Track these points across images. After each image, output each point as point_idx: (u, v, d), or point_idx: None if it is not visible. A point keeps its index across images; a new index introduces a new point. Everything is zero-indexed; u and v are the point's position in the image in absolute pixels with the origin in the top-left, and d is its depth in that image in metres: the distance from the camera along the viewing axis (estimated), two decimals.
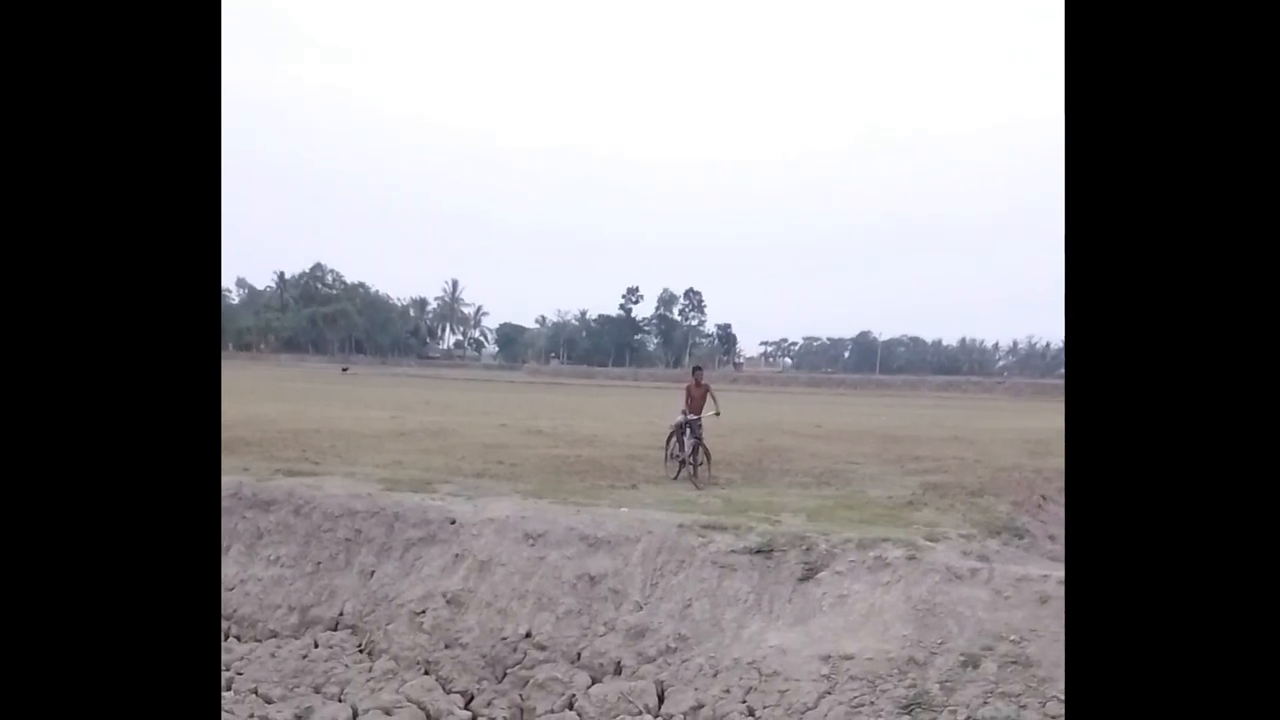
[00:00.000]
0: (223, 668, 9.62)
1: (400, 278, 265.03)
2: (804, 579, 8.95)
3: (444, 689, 8.95)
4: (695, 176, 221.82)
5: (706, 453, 14.51)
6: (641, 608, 9.20)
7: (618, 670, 8.83)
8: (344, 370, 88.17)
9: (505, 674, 9.06)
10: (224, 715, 8.72)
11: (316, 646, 9.83)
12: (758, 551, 9.30)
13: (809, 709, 7.75)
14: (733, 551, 9.37)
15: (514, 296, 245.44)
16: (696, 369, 16.33)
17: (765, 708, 7.90)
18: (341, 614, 10.19)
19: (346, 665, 9.41)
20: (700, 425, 14.71)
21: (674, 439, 15.14)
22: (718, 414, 15.13)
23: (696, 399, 15.00)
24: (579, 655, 9.03)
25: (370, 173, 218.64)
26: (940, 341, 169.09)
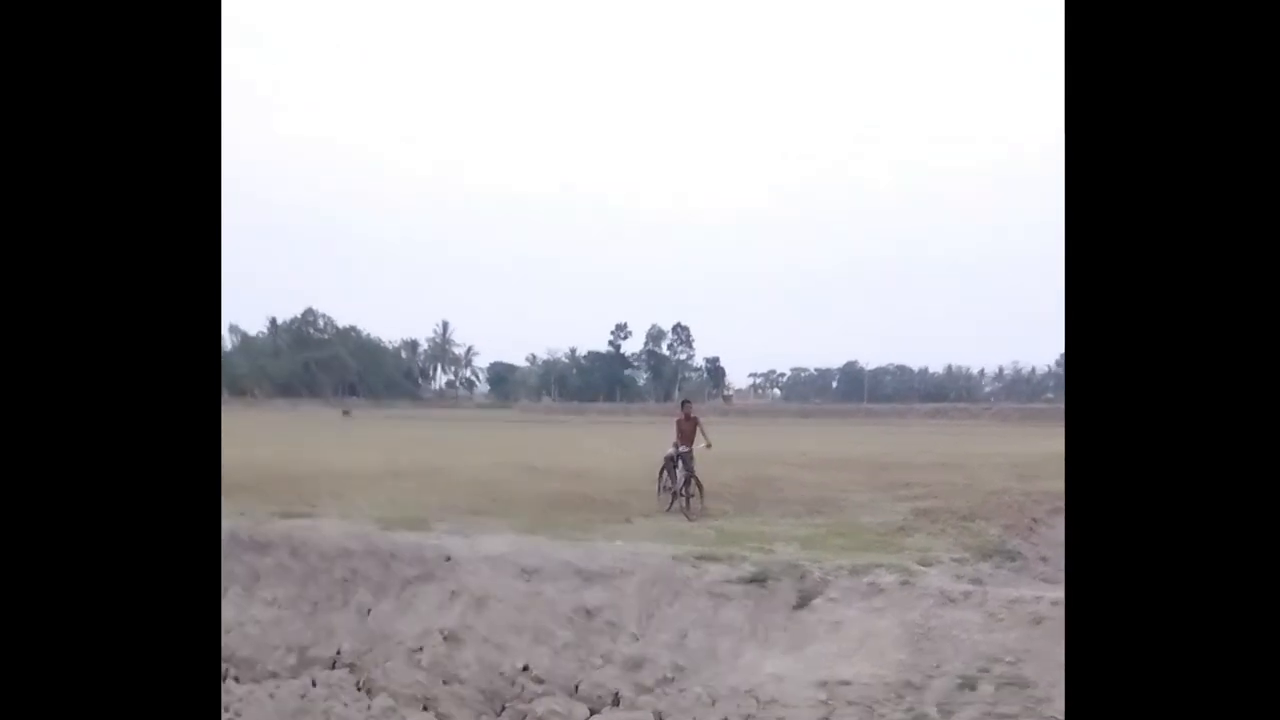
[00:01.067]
0: (222, 709, 9.52)
1: (391, 320, 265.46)
2: (798, 607, 8.92)
3: None
4: (681, 215, 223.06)
5: (698, 484, 14.49)
6: (638, 639, 9.15)
7: (616, 701, 8.78)
8: (345, 414, 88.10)
9: (504, 708, 8.99)
10: None
11: (315, 685, 9.76)
12: (752, 581, 9.28)
13: None
14: (727, 581, 9.34)
15: (504, 336, 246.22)
16: (685, 402, 16.34)
17: None
18: (339, 653, 10.12)
19: (345, 704, 9.33)
20: (691, 457, 14.69)
21: (666, 472, 15.12)
22: (708, 446, 15.11)
23: (687, 432, 14.99)
24: (577, 687, 8.98)
25: (357, 217, 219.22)
26: (927, 369, 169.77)
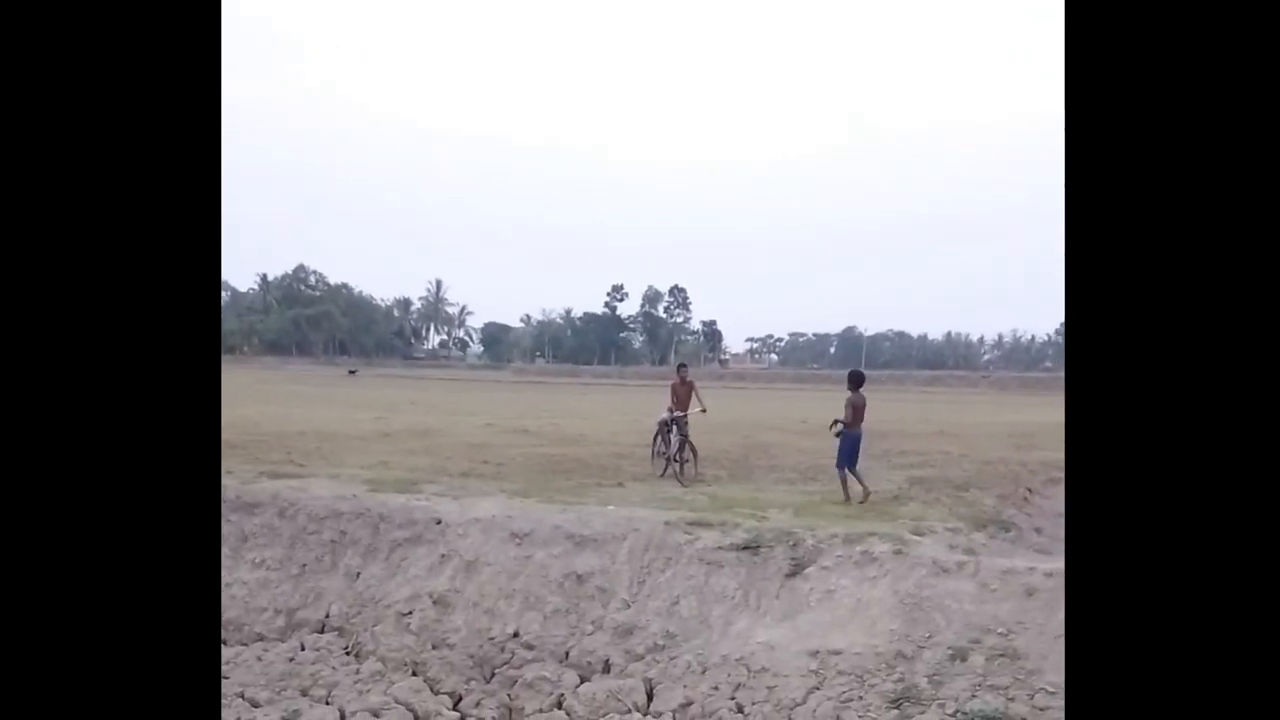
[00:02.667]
0: None
1: (383, 278, 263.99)
2: (791, 575, 8.96)
3: (432, 690, 8.92)
4: (680, 175, 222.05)
5: (693, 450, 14.50)
6: (629, 606, 9.20)
7: (606, 669, 8.83)
8: (350, 373, 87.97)
9: (493, 674, 9.04)
10: None
11: (303, 649, 9.79)
12: (745, 548, 9.32)
13: (797, 705, 7.76)
14: (720, 548, 9.38)
15: (498, 296, 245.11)
16: (681, 366, 16.33)
17: (754, 704, 7.90)
18: (328, 616, 10.16)
19: (334, 667, 9.37)
20: (686, 422, 14.69)
21: (660, 436, 15.15)
22: (703, 411, 15.10)
23: (682, 396, 14.99)
24: (567, 654, 9.03)
25: (350, 172, 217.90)
26: (926, 336, 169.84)
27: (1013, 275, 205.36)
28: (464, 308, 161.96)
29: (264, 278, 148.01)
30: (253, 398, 35.65)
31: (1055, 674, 7.23)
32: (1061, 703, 7.08)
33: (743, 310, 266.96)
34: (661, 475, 14.40)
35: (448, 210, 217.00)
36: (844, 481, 12.15)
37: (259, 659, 9.72)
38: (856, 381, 12.58)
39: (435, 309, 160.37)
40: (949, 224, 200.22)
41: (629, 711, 8.23)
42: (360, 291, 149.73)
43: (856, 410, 12.23)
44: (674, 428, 14.66)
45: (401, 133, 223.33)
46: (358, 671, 9.27)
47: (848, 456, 12.10)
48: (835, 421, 12.32)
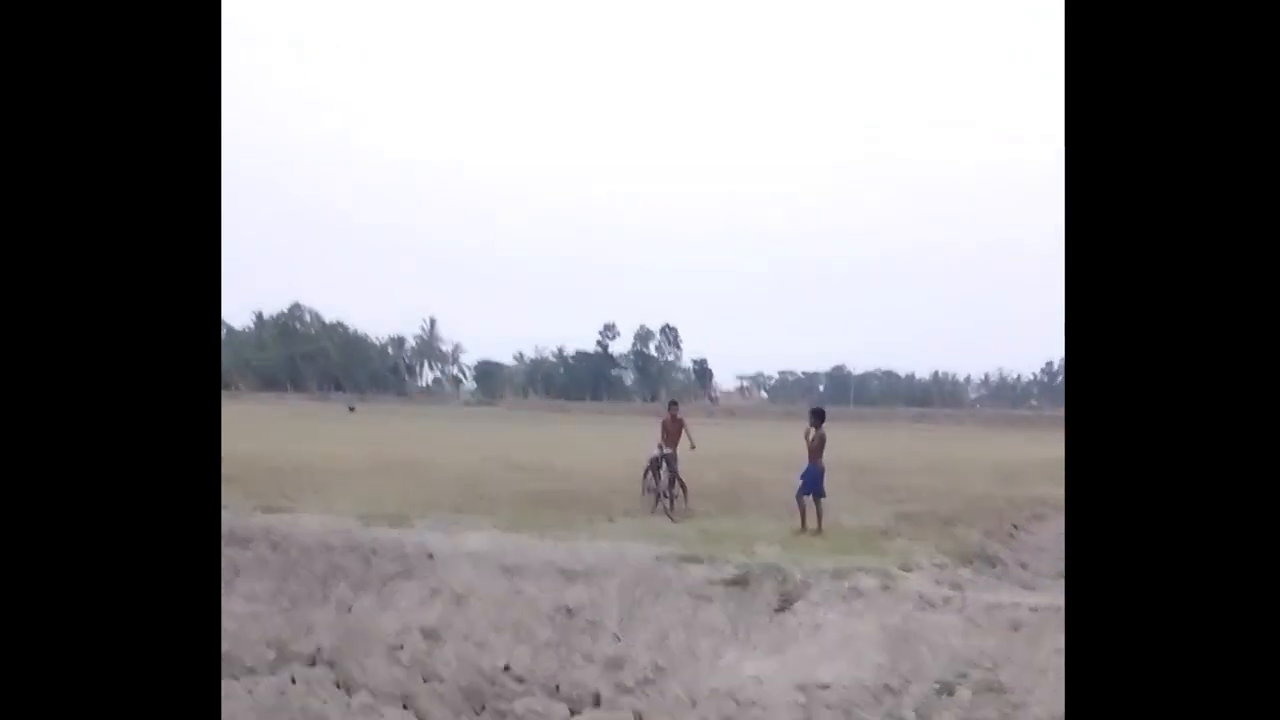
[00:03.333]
0: None
1: (377, 316, 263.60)
2: (779, 609, 8.93)
3: None
4: (668, 210, 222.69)
5: (682, 485, 14.51)
6: (619, 639, 9.15)
7: (596, 701, 8.78)
8: (350, 410, 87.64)
9: (484, 706, 8.98)
10: None
11: (294, 682, 9.72)
12: (733, 582, 9.29)
13: None
14: (709, 582, 9.35)
15: (492, 334, 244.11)
16: (672, 404, 16.38)
17: None
18: (319, 649, 10.08)
19: (324, 700, 9.30)
20: (676, 458, 14.71)
21: (651, 472, 15.14)
22: (693, 447, 15.13)
23: (672, 433, 15.02)
24: (557, 687, 8.97)
25: (346, 209, 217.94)
26: (913, 375, 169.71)
27: (999, 316, 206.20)
28: (457, 345, 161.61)
29: (259, 315, 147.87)
30: (247, 433, 35.50)
31: (1040, 708, 7.20)
32: None
33: (733, 349, 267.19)
34: (652, 510, 14.36)
35: (438, 247, 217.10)
36: (803, 511, 12.67)
37: (249, 692, 9.65)
38: (819, 417, 13.46)
39: (429, 346, 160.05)
40: (938, 265, 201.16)
41: None
42: (354, 329, 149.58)
43: (819, 444, 12.86)
44: (664, 463, 14.68)
45: (390, 168, 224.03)
46: (348, 704, 9.21)
47: (810, 487, 12.67)
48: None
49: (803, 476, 12.81)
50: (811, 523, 12.57)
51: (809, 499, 12.72)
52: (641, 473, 15.68)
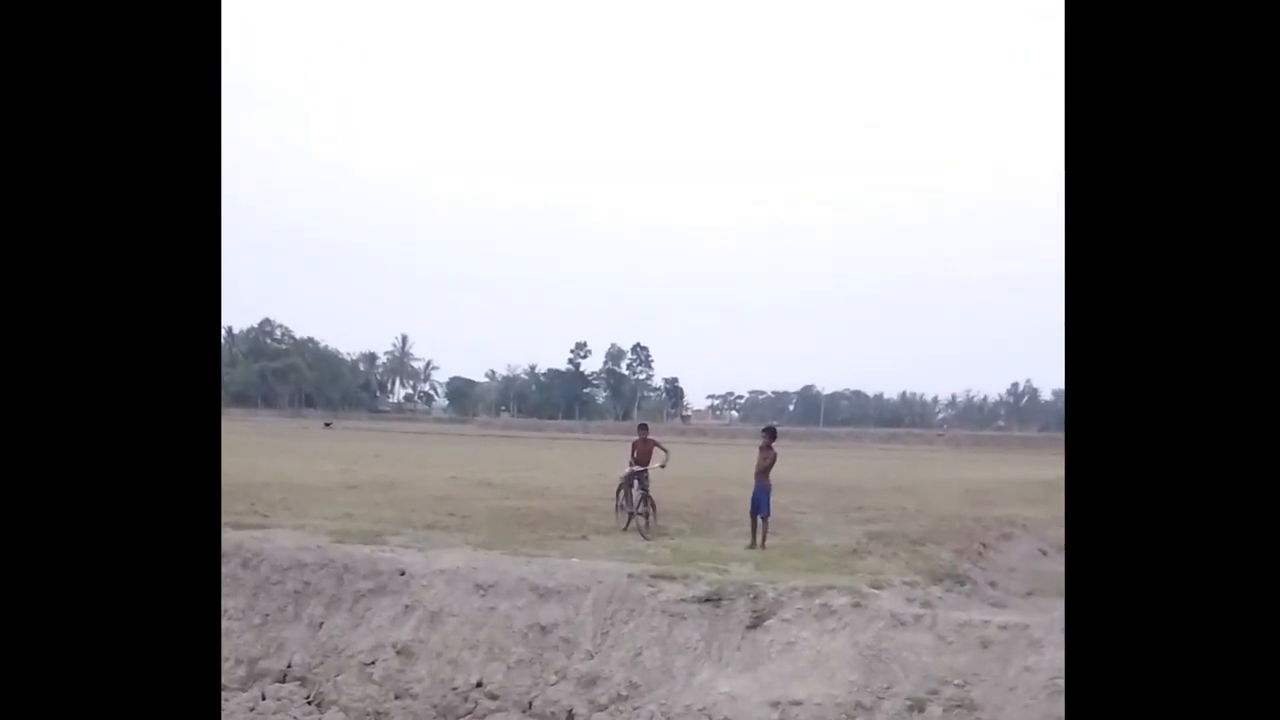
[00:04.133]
0: None
1: (349, 332, 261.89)
2: (752, 626, 8.94)
3: None
4: (644, 237, 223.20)
5: (652, 504, 14.43)
6: (593, 656, 9.13)
7: (570, 719, 8.73)
8: (326, 426, 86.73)
9: None
10: None
11: (264, 699, 9.61)
12: (707, 600, 9.29)
13: None
14: (682, 600, 9.35)
15: (463, 351, 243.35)
16: (642, 426, 16.20)
17: None
18: (290, 666, 9.98)
19: (295, 717, 9.21)
20: (647, 477, 14.70)
21: (624, 491, 15.09)
22: (663, 466, 15.16)
23: (643, 453, 15.01)
24: (531, 704, 8.93)
25: (319, 225, 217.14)
26: (882, 395, 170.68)
27: (966, 338, 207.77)
28: (429, 362, 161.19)
29: (230, 331, 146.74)
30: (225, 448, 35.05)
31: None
32: None
33: (704, 368, 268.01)
34: (625, 529, 14.35)
35: (410, 265, 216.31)
36: (754, 528, 13.06)
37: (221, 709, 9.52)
38: (770, 436, 13.86)
39: (401, 363, 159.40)
40: (905, 292, 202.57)
41: None
42: (326, 345, 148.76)
43: (768, 464, 13.32)
44: (635, 482, 14.66)
45: (372, 189, 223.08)
46: None
47: (763, 504, 13.05)
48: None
49: (756, 495, 13.19)
50: (758, 539, 13.01)
51: (758, 517, 13.11)
52: (614, 491, 15.66)
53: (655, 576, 9.89)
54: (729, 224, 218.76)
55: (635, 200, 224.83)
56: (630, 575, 9.93)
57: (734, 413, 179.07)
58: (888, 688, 7.96)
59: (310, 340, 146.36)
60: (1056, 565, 11.92)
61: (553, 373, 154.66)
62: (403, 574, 10.47)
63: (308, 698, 9.57)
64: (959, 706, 7.59)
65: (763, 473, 13.21)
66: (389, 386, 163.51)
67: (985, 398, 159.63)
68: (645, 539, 13.45)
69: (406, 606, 10.08)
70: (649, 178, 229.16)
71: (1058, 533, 13.19)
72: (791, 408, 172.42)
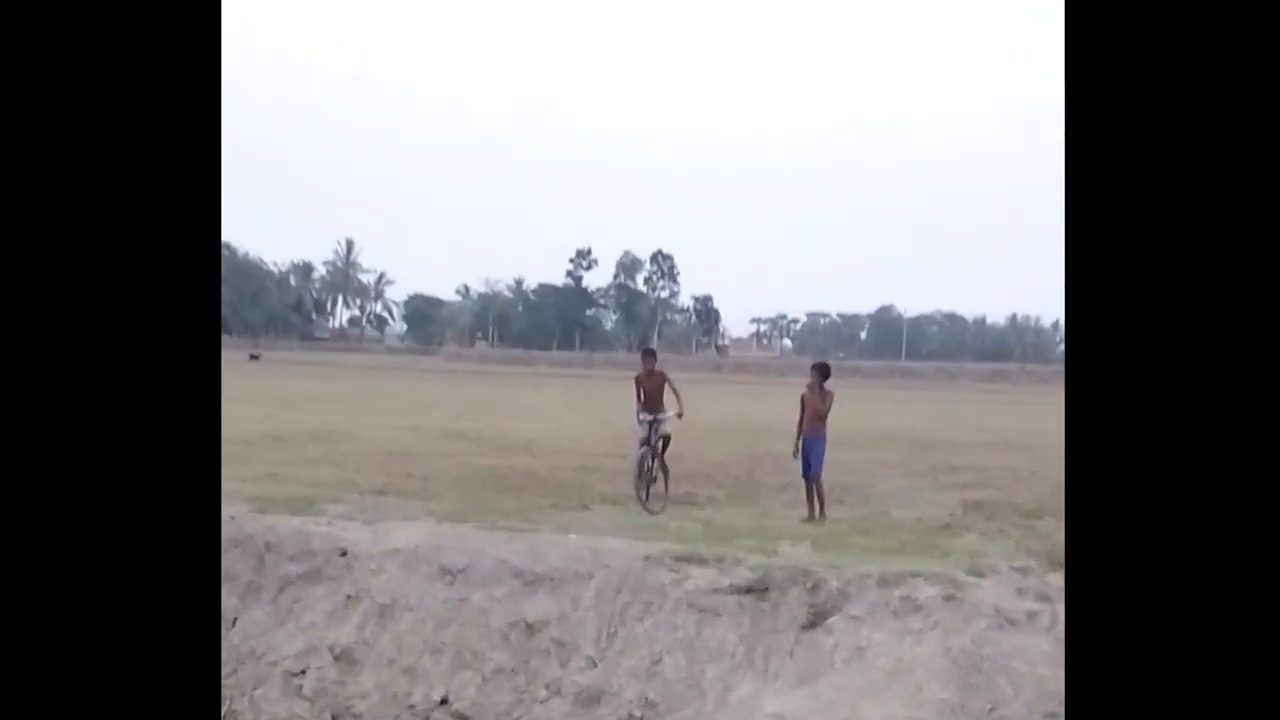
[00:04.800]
0: None
1: (278, 240, 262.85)
2: (809, 626, 8.93)
3: None
4: (677, 134, 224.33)
5: (664, 466, 14.05)
6: (596, 665, 9.17)
7: None
8: (253, 358, 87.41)
9: None
10: None
11: None
12: (748, 591, 9.27)
13: None
14: (716, 591, 9.33)
15: (427, 262, 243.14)
16: (647, 352, 15.25)
17: None
18: None
19: None
20: (660, 426, 14.11)
21: (645, 453, 14.28)
22: (679, 414, 14.28)
23: (650, 392, 14.20)
24: None
25: (252, 115, 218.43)
26: (985, 319, 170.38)
27: None
28: (382, 275, 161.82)
29: None
30: None
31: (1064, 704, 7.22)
32: None
33: (747, 284, 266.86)
34: (645, 499, 13.76)
35: (363, 166, 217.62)
36: (810, 495, 13.22)
37: None
38: (822, 374, 13.68)
39: (345, 277, 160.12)
40: (1008, 196, 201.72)
41: None
42: (246, 254, 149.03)
43: (822, 410, 13.33)
44: (650, 433, 14.04)
45: (321, 81, 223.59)
46: None
47: (814, 462, 13.19)
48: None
49: (806, 453, 13.20)
50: (815, 510, 13.14)
51: (808, 480, 13.17)
52: (635, 457, 14.81)
53: (680, 559, 9.86)
54: (770, 121, 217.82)
55: (668, 103, 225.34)
56: (647, 557, 9.91)
57: (786, 341, 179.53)
58: (992, 710, 7.94)
59: (225, 246, 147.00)
60: None
61: (546, 288, 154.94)
62: (344, 554, 10.52)
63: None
64: None
65: (817, 419, 13.19)
66: (329, 307, 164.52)
67: None
68: (651, 513, 13.17)
69: (348, 597, 10.13)
70: (669, 83, 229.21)
71: None
72: (864, 335, 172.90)
